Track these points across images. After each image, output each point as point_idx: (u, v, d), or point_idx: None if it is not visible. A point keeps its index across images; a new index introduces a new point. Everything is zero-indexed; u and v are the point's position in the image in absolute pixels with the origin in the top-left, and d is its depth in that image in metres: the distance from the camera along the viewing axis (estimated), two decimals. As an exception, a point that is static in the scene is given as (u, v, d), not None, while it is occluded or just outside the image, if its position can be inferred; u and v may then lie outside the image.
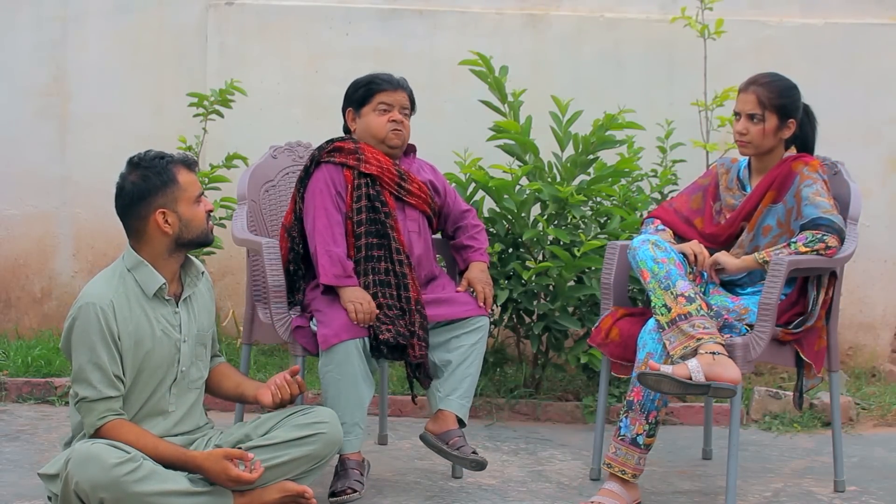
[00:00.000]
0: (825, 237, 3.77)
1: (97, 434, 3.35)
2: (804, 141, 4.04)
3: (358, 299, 3.79)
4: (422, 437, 3.90)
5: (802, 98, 3.98)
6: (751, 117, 3.91)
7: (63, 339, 3.42)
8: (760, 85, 3.93)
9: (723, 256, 3.89)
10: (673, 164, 5.34)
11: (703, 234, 4.02)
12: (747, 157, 4.06)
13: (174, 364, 3.47)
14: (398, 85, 4.01)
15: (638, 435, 3.78)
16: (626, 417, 3.81)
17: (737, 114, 3.97)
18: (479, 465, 3.82)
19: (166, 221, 3.41)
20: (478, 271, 4.08)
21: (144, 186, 3.40)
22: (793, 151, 4.02)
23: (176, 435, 3.48)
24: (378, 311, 3.82)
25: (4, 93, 5.92)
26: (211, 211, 3.52)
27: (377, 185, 3.94)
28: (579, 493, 4.01)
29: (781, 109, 3.91)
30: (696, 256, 3.88)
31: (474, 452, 3.82)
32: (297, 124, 5.67)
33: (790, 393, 5.08)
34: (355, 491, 3.72)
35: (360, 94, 4.00)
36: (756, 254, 3.84)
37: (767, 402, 5.07)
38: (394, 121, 3.97)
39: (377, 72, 4.07)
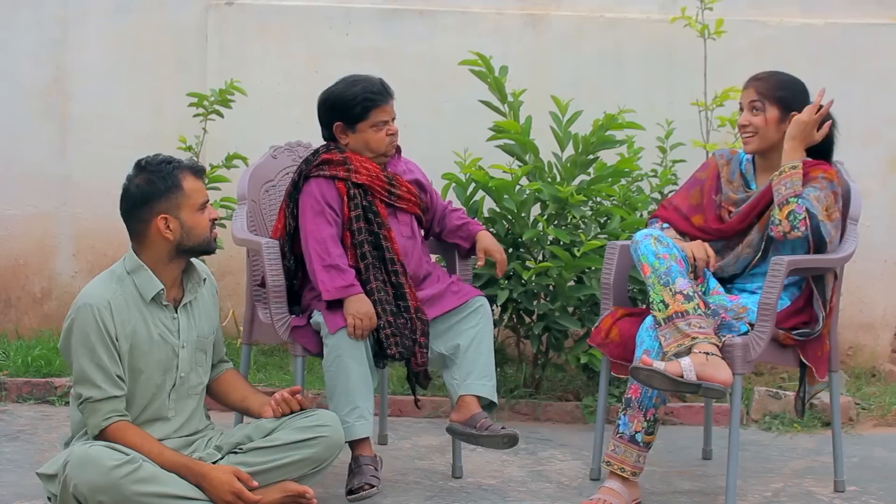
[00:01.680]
0: (808, 230, 3.75)
1: (101, 435, 3.34)
2: (817, 147, 3.98)
3: (359, 313, 3.78)
4: (448, 430, 3.89)
5: (809, 96, 3.95)
6: (752, 108, 3.91)
7: (62, 341, 3.42)
8: (759, 79, 3.95)
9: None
10: (673, 164, 5.34)
11: (706, 229, 4.00)
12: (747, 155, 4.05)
13: (172, 369, 3.46)
14: (388, 95, 3.98)
15: (636, 432, 3.78)
16: (625, 415, 3.81)
17: (740, 108, 3.97)
18: (513, 440, 3.79)
19: (168, 227, 3.40)
20: (489, 240, 4.12)
21: (148, 190, 3.39)
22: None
23: (175, 438, 3.48)
24: (380, 320, 3.81)
25: (4, 93, 5.91)
26: (216, 219, 3.51)
27: (369, 194, 3.94)
28: (579, 493, 4.01)
29: (782, 101, 3.90)
30: (695, 260, 3.86)
31: (504, 427, 3.79)
32: (297, 124, 5.66)
33: (790, 393, 5.08)
34: (373, 486, 3.70)
35: (357, 112, 3.94)
36: (789, 164, 3.78)
37: (767, 402, 5.07)
38: (391, 134, 3.97)
39: (354, 78, 4.00)
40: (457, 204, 4.68)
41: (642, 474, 3.84)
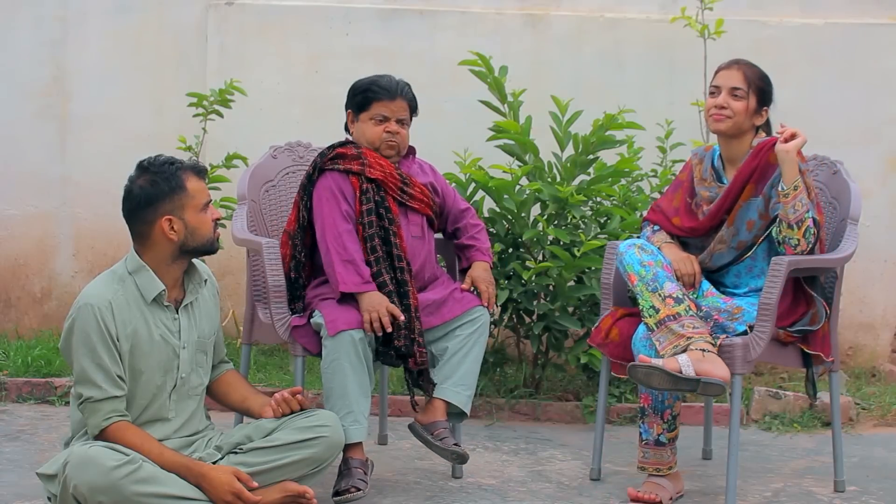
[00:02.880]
0: (815, 241, 3.77)
1: (101, 435, 3.34)
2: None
3: (375, 307, 3.78)
4: (409, 427, 3.91)
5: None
6: (733, 93, 3.87)
7: (62, 341, 3.42)
8: (745, 65, 3.92)
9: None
10: (673, 164, 5.34)
11: (682, 228, 4.00)
12: (719, 147, 4.02)
13: (173, 370, 3.46)
14: (396, 93, 3.97)
15: (659, 435, 3.85)
16: (644, 423, 3.87)
17: (714, 90, 3.92)
18: (460, 458, 3.83)
19: (172, 228, 3.40)
20: (481, 270, 4.08)
21: (152, 191, 3.39)
22: (762, 136, 3.94)
23: (175, 438, 3.48)
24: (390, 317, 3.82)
25: (4, 93, 5.92)
26: (218, 219, 3.51)
27: (382, 190, 3.94)
28: (579, 493, 4.01)
29: (761, 93, 3.90)
30: (681, 275, 3.86)
31: (456, 445, 3.82)
32: (297, 124, 5.67)
33: (790, 393, 5.09)
34: (359, 490, 3.71)
35: (359, 101, 3.99)
36: (793, 185, 3.73)
37: (767, 402, 5.07)
38: (388, 132, 3.96)
39: (380, 74, 4.04)
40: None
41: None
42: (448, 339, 3.94)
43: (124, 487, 3.22)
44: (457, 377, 3.90)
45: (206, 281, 3.59)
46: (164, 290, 3.42)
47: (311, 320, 3.89)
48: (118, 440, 3.32)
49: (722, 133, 3.92)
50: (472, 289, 4.04)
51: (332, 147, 4.01)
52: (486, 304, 4.01)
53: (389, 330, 3.79)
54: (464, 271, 4.15)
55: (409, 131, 4.03)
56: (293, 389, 3.62)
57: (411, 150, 4.10)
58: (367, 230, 3.90)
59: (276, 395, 3.61)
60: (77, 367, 3.36)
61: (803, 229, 3.75)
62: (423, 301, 3.92)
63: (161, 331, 3.43)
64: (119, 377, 3.35)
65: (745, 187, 3.86)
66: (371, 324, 3.77)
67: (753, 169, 3.85)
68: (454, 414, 3.93)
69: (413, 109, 4.04)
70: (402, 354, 3.84)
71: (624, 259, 3.85)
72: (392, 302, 3.84)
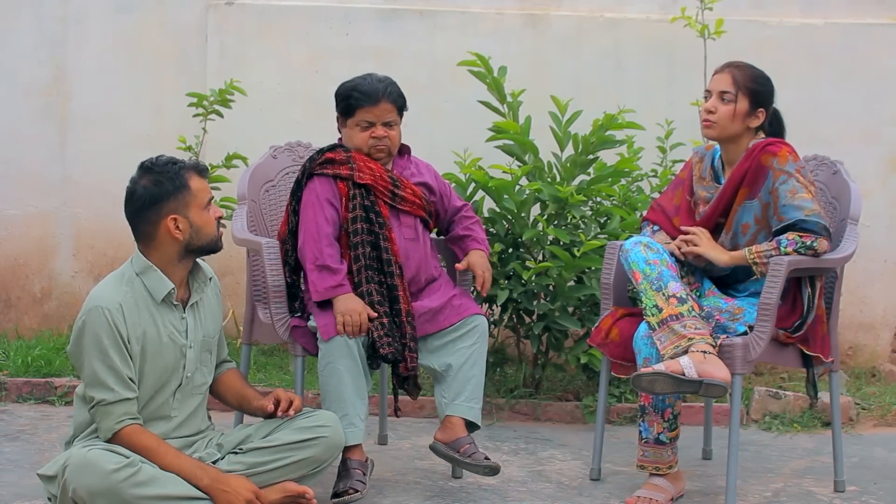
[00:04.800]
0: (815, 243, 3.75)
1: (114, 439, 3.32)
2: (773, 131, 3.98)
3: (348, 310, 3.77)
4: (432, 448, 3.89)
5: (776, 94, 3.93)
6: (722, 96, 3.86)
7: (72, 344, 3.40)
8: (736, 67, 3.90)
9: (711, 252, 3.85)
10: (673, 164, 5.34)
11: (680, 230, 4.01)
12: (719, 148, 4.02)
13: (179, 370, 3.46)
14: (378, 97, 3.91)
15: (659, 433, 3.84)
16: (644, 421, 3.86)
17: (707, 94, 3.92)
18: (493, 471, 3.81)
19: (177, 227, 3.40)
20: (478, 256, 4.06)
21: (157, 191, 3.39)
22: (760, 136, 3.92)
23: (175, 438, 3.48)
24: (373, 321, 3.80)
25: (4, 93, 5.92)
26: (221, 217, 3.51)
27: (371, 194, 3.92)
28: (579, 493, 4.02)
29: (754, 95, 3.86)
30: (681, 251, 3.87)
31: (487, 458, 3.82)
32: (297, 124, 5.67)
33: (790, 393, 5.09)
34: (357, 491, 3.72)
35: (343, 108, 3.97)
36: (746, 250, 3.79)
37: (767, 402, 5.07)
38: (374, 137, 3.93)
39: (363, 76, 3.99)
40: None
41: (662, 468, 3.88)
42: (448, 354, 3.92)
43: (124, 490, 3.21)
44: (468, 392, 3.90)
45: (210, 279, 3.59)
46: (173, 289, 3.42)
47: (309, 323, 3.89)
48: (131, 444, 3.31)
49: (711, 139, 3.93)
50: (472, 289, 4.04)
51: (322, 151, 4.00)
52: (479, 288, 4.00)
53: (363, 333, 3.78)
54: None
55: (399, 130, 4.00)
56: (294, 404, 3.61)
57: (405, 149, 4.08)
58: (353, 238, 3.88)
59: (277, 391, 3.61)
60: (88, 370, 3.34)
61: (794, 249, 3.75)
62: (420, 309, 3.91)
63: (169, 331, 3.43)
64: (130, 379, 3.34)
65: (738, 190, 3.86)
66: (344, 326, 3.76)
67: (745, 171, 3.84)
68: (466, 424, 3.92)
69: (401, 108, 3.99)
70: (391, 361, 3.83)
71: (629, 256, 3.84)
72: (380, 307, 3.82)
